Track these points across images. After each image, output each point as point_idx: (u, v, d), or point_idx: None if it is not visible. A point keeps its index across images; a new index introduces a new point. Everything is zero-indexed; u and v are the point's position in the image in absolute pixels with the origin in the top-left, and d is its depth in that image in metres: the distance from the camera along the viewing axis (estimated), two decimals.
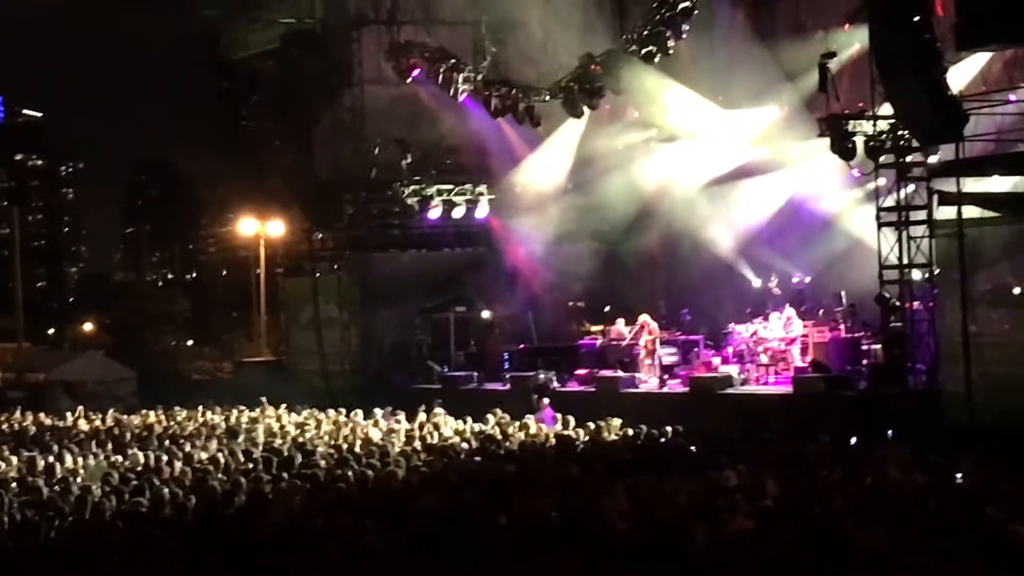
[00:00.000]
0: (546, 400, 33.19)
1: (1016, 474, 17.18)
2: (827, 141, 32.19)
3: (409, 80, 43.92)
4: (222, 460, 23.79)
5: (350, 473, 20.22)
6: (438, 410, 32.54)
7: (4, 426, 36.18)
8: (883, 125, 30.18)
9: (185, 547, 13.24)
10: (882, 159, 30.66)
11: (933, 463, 18.96)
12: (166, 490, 18.81)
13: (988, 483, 16.44)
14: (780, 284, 35.74)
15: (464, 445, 25.51)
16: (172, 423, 34.63)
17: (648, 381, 35.12)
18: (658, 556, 11.69)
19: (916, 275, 30.38)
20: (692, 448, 23.15)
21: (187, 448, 27.27)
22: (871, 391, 30.13)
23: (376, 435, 28.64)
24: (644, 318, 36.25)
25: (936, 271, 29.96)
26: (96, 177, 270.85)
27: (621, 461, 21.17)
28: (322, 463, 22.46)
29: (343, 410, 33.58)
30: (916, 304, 30.35)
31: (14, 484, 21.41)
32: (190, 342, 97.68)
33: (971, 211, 28.94)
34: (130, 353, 71.39)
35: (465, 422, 30.50)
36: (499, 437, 26.74)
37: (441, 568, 11.55)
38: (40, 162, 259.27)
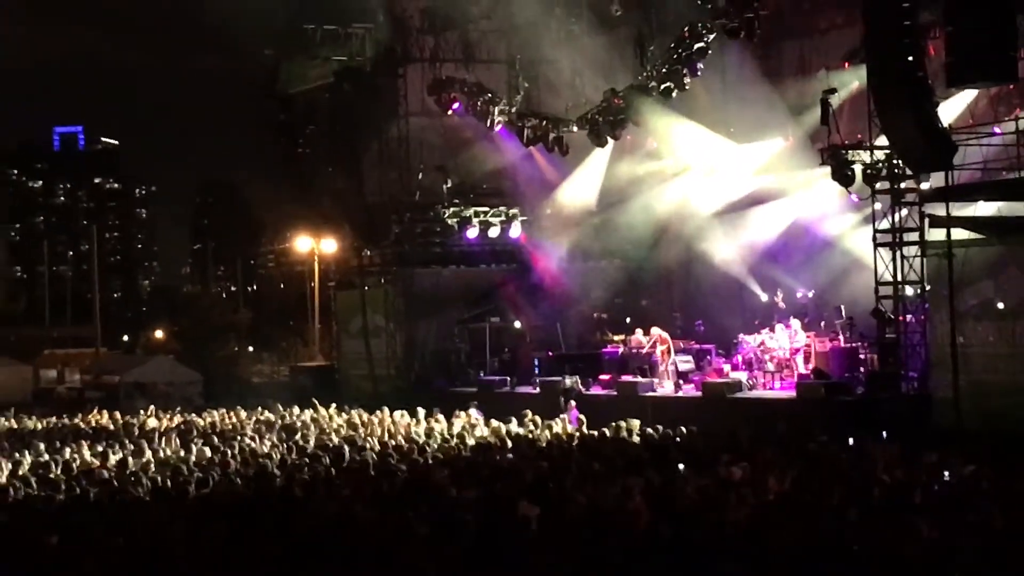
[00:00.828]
0: (573, 402, 33.24)
1: (998, 472, 17.16)
2: (828, 169, 32.23)
3: (449, 112, 44.07)
4: (278, 455, 23.91)
5: (395, 467, 20.30)
6: (474, 411, 32.57)
7: (83, 423, 36.37)
8: (879, 155, 30.16)
9: (245, 533, 13.26)
10: (878, 185, 30.61)
11: (923, 462, 18.94)
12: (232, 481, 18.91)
13: (973, 480, 16.43)
14: (785, 299, 35.68)
15: (497, 442, 25.54)
16: (234, 421, 34.76)
17: (665, 386, 35.09)
18: (673, 542, 11.71)
19: (909, 291, 30.30)
20: (703, 446, 23.12)
21: (248, 444, 27.39)
22: (867, 396, 30.05)
23: (418, 433, 28.70)
24: (656, 330, 36.22)
25: (927, 288, 29.87)
26: (167, 199, 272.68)
27: (639, 458, 21.18)
28: (370, 458, 22.53)
29: (388, 410, 33.61)
30: (909, 317, 30.27)
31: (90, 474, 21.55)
32: (250, 348, 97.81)
33: (959, 233, 28.92)
34: (196, 358, 71.60)
35: (499, 422, 30.57)
36: (530, 436, 26.78)
37: (479, 554, 11.56)
38: (116, 185, 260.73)
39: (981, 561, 10.54)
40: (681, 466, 20.29)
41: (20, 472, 22.73)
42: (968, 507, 13.84)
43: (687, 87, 36.69)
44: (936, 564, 10.64)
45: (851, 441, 23.11)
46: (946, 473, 17.71)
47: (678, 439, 24.74)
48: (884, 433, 24.66)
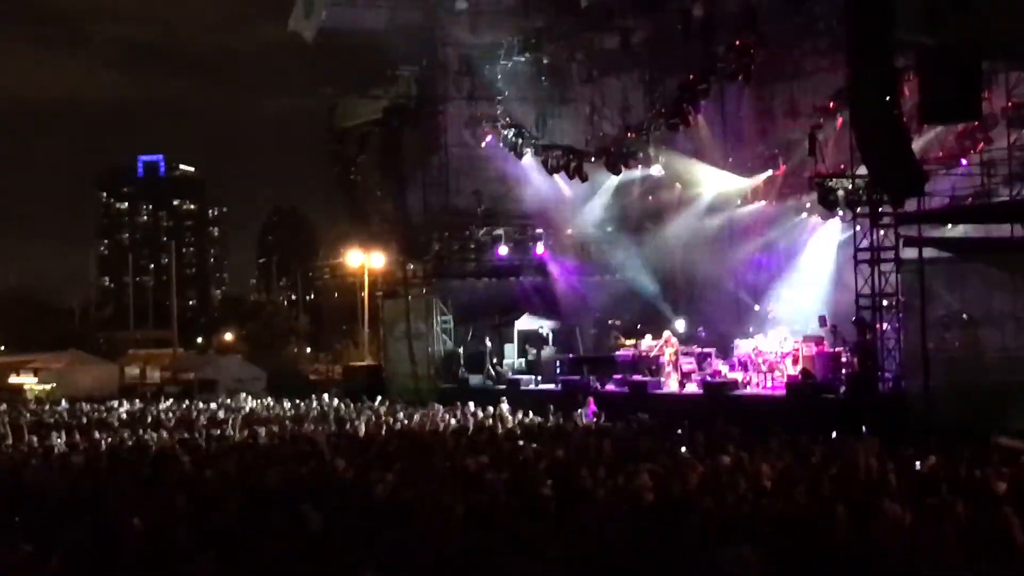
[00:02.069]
0: (591, 398, 33.23)
1: (963, 463, 17.09)
2: (815, 195, 32.20)
3: (483, 144, 44.18)
4: (332, 442, 23.91)
5: (434, 454, 20.30)
6: (504, 406, 32.58)
7: (164, 415, 36.50)
8: (860, 183, 30.10)
9: (298, 511, 13.19)
10: (859, 210, 30.57)
11: (898, 454, 18.87)
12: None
13: (940, 470, 16.37)
14: (775, 308, 35.58)
15: (524, 433, 25.54)
16: (293, 411, 34.87)
17: (670, 384, 35.04)
18: (677, 522, 11.69)
19: (885, 303, 30.22)
20: (701, 437, 23.06)
21: (304, 430, 27.48)
22: (849, 395, 29.93)
23: (454, 424, 28.75)
24: (667, 334, 36.25)
25: (901, 299, 29.78)
26: (237, 218, 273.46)
27: (646, 447, 21.14)
28: (411, 446, 22.54)
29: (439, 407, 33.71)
30: (885, 326, 30.16)
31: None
32: (308, 350, 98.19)
33: (930, 252, 28.84)
34: (261, 358, 71.93)
35: (525, 415, 30.60)
36: (551, 427, 26.79)
37: (508, 528, 11.55)
38: (192, 207, 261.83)
39: (948, 543, 10.50)
40: (684, 449, 20.29)
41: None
42: (935, 494, 13.78)
43: (691, 123, 36.71)
44: (908, 546, 10.60)
45: (834, 435, 23.05)
46: (917, 464, 17.64)
47: (679, 431, 24.70)
48: (864, 428, 24.58)
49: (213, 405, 39.06)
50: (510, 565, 8.50)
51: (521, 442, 22.65)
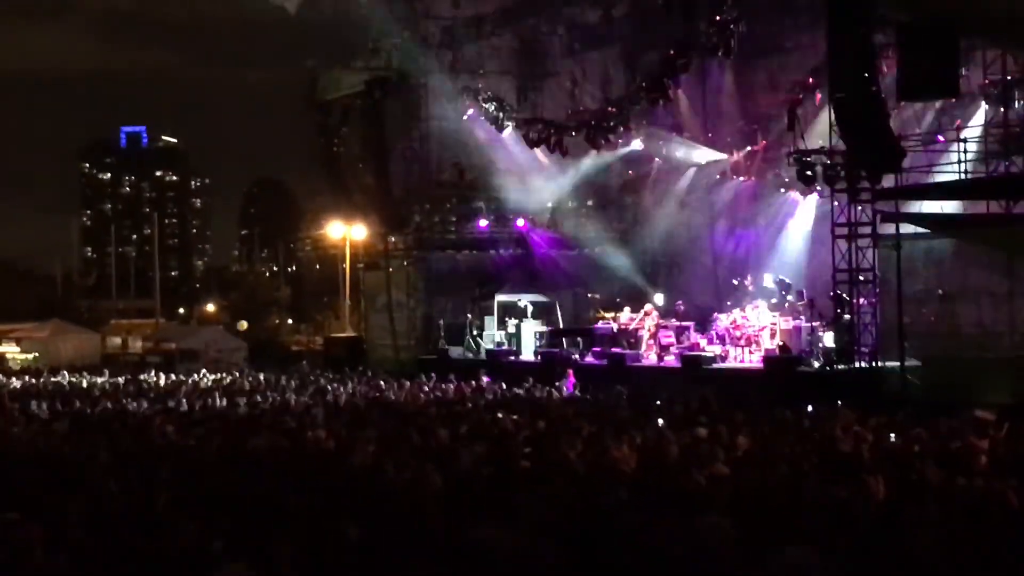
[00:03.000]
0: (570, 370, 33.26)
1: (938, 433, 17.16)
2: (794, 170, 32.23)
3: (465, 117, 44.05)
4: (313, 412, 23.86)
5: (412, 425, 20.25)
6: (484, 378, 32.59)
7: (144, 384, 36.45)
8: (838, 158, 30.11)
9: (282, 484, 13.17)
10: (837, 185, 30.59)
11: (872, 425, 18.92)
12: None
13: (914, 441, 16.41)
14: (753, 283, 35.63)
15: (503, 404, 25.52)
16: (275, 383, 34.80)
17: (649, 357, 35.10)
18: (656, 493, 11.70)
19: (862, 278, 30.29)
20: (679, 409, 23.10)
21: (286, 399, 27.44)
22: (825, 369, 30.04)
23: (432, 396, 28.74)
24: (648, 307, 36.31)
25: (878, 275, 29.87)
26: (219, 190, 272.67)
27: (626, 419, 21.15)
28: (391, 417, 22.50)
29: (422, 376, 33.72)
30: (862, 300, 30.24)
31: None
32: (290, 321, 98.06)
33: (907, 228, 28.92)
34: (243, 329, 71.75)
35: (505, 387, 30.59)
36: (531, 399, 26.79)
37: (487, 502, 11.53)
38: (175, 178, 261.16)
39: (922, 513, 10.52)
40: (660, 421, 20.28)
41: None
42: (908, 466, 13.83)
43: (671, 98, 36.66)
44: (884, 515, 10.63)
45: (810, 408, 23.10)
46: (892, 436, 17.69)
47: (658, 403, 24.73)
48: (839, 402, 24.66)
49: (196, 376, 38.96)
50: (486, 535, 8.49)
51: (500, 414, 22.65)
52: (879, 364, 29.22)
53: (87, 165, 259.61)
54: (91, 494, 11.94)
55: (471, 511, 10.75)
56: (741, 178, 38.71)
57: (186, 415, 24.01)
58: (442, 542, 9.15)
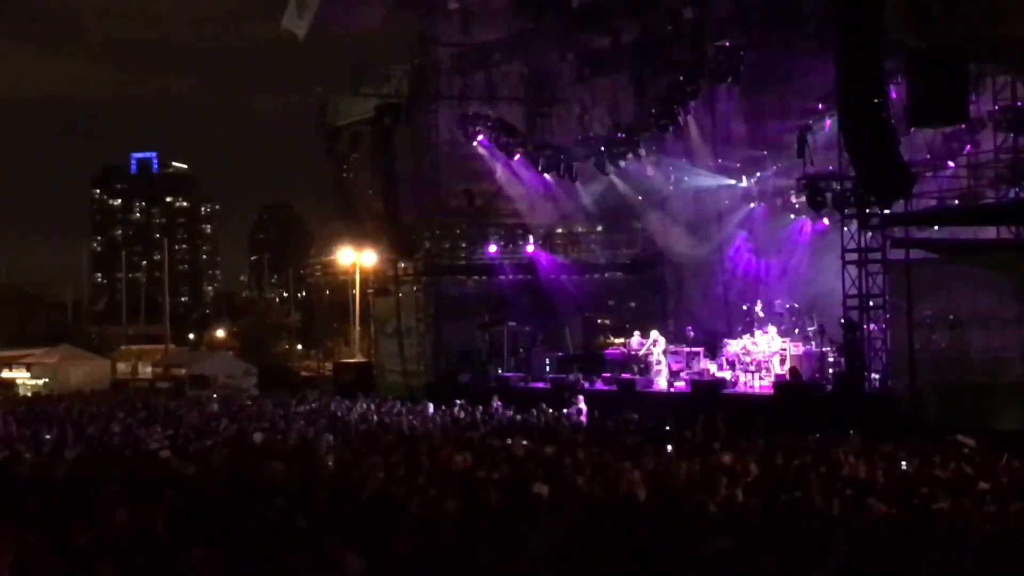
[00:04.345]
0: (580, 396, 33.21)
1: (947, 461, 17.14)
2: (803, 196, 32.24)
3: (475, 144, 44.15)
4: (325, 438, 23.88)
5: (424, 451, 20.25)
6: (495, 403, 32.56)
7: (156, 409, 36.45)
8: (848, 184, 30.12)
9: (292, 507, 13.17)
10: (847, 211, 30.58)
11: (883, 452, 18.90)
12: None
13: (925, 469, 16.41)
14: (764, 308, 35.59)
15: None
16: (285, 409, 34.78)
17: (659, 383, 35.06)
18: (667, 518, 11.71)
19: (872, 303, 30.25)
20: (689, 435, 23.09)
21: (296, 426, 27.43)
22: (835, 394, 29.98)
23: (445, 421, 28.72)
24: (654, 334, 36.27)
25: (888, 300, 29.84)
26: (229, 216, 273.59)
27: (636, 445, 21.14)
28: (402, 443, 22.48)
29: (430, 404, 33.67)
30: (872, 326, 30.20)
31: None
32: (300, 346, 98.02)
33: (917, 253, 28.90)
34: (253, 354, 71.77)
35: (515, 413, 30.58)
36: (541, 425, 26.77)
37: (500, 525, 11.53)
38: (185, 203, 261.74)
39: (933, 540, 10.53)
40: (669, 448, 20.28)
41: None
42: (918, 493, 13.82)
43: (680, 124, 36.72)
44: (898, 542, 10.63)
45: (818, 436, 23.05)
46: (903, 463, 17.67)
47: (667, 428, 24.71)
48: (851, 431, 24.61)
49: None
50: (500, 561, 8.51)
51: (511, 440, 22.65)
52: (889, 390, 29.14)
53: (98, 191, 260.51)
54: (100, 521, 11.98)
55: (485, 536, 10.77)
56: (751, 204, 38.74)
57: (195, 441, 24.03)
58: (457, 567, 9.17)
